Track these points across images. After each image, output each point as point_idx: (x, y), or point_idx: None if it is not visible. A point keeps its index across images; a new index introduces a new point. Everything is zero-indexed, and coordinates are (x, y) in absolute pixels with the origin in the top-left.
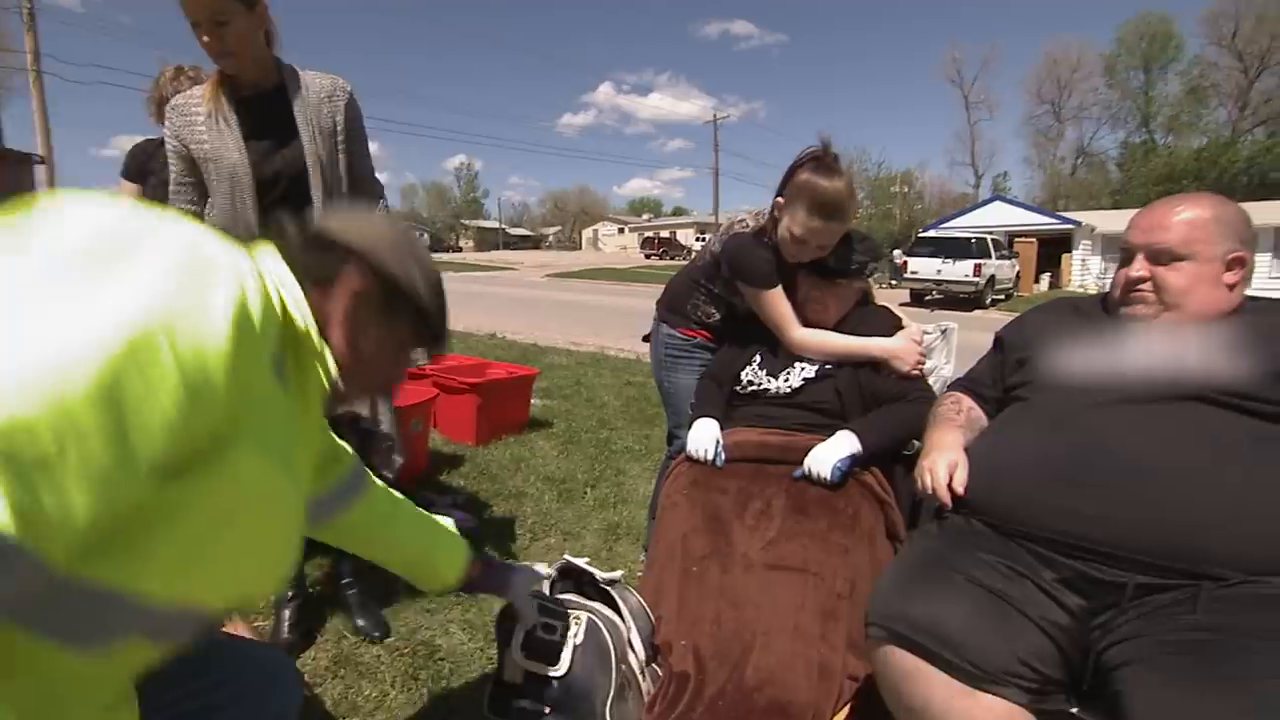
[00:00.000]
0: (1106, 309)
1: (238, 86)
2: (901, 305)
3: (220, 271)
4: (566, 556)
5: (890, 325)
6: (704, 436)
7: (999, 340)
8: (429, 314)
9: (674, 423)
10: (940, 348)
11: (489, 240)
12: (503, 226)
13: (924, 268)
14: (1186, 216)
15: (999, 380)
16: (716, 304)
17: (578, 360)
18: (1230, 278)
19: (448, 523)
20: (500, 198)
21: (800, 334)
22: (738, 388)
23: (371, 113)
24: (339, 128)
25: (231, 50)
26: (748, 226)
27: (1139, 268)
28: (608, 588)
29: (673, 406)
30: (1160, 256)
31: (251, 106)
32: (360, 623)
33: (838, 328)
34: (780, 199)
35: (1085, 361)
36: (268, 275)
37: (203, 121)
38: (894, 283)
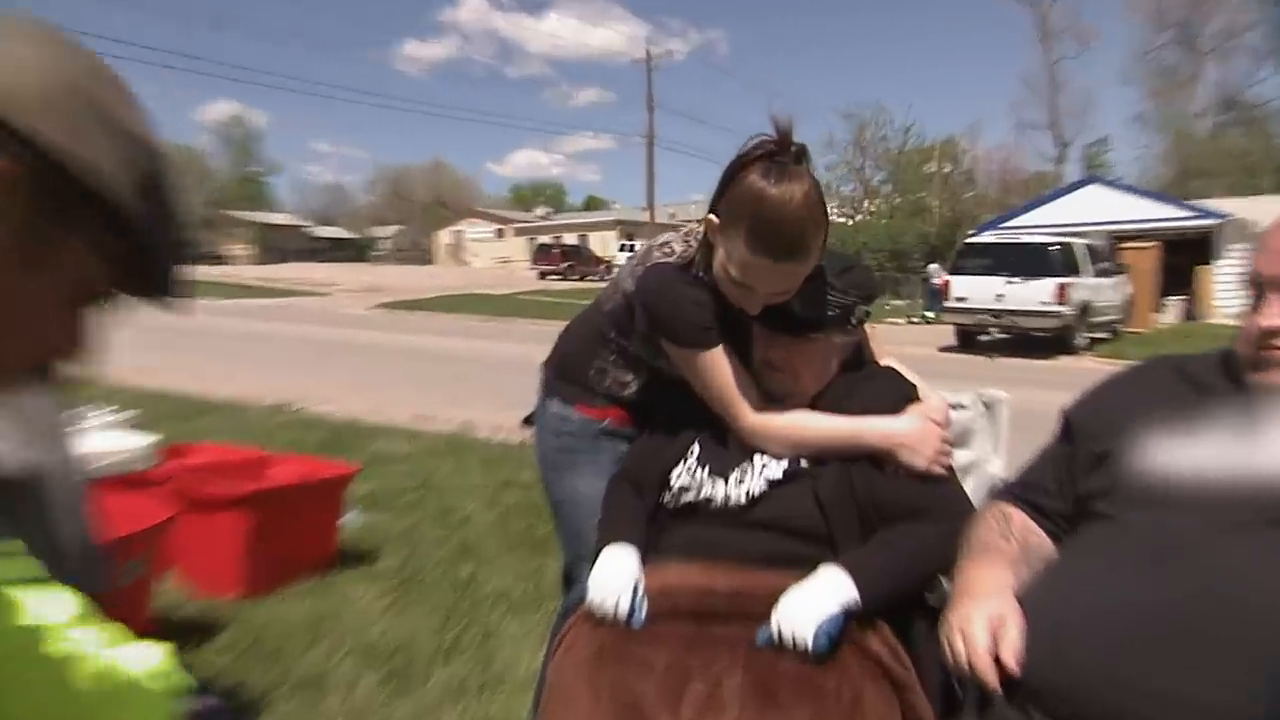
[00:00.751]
0: (1230, 374)
1: None
2: (942, 350)
3: None
4: None
5: (898, 396)
6: (614, 578)
7: (1068, 423)
8: (129, 215)
9: (571, 554)
10: (983, 430)
11: (279, 244)
12: (302, 225)
13: (977, 291)
14: None
15: (1068, 486)
16: (634, 366)
17: (426, 448)
18: None
19: (149, 656)
20: (299, 176)
21: (756, 419)
22: (666, 497)
23: (57, 17)
24: None
25: None
26: (672, 253)
27: (1275, 313)
28: None
29: (569, 528)
30: None
31: None
32: None
33: (816, 403)
34: (715, 216)
35: (1199, 460)
36: None
37: None
38: (930, 316)
